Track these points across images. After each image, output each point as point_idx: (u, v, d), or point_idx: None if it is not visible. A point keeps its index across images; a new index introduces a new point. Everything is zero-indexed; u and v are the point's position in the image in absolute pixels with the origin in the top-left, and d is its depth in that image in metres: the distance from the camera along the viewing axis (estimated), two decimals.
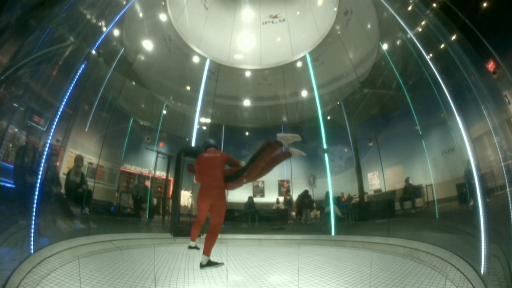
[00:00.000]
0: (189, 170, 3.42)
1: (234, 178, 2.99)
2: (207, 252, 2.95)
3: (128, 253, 4.55)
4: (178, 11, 8.37)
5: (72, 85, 4.92)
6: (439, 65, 4.94)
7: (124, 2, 6.84)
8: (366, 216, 7.91)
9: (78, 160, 5.95)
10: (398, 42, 7.09)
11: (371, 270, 3.32)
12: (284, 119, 10.28)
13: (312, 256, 4.62)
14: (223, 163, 3.10)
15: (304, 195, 8.93)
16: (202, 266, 2.92)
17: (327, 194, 7.89)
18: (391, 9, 6.38)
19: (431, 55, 5.26)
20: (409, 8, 6.13)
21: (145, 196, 7.96)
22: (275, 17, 9.36)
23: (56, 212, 4.82)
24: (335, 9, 8.15)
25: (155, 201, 8.53)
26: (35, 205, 3.66)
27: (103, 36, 6.30)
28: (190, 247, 3.31)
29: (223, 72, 9.57)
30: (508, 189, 3.24)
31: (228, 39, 9.44)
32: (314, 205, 9.08)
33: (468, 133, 4.17)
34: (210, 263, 2.93)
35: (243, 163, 3.12)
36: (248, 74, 9.88)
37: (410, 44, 6.06)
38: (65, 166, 5.98)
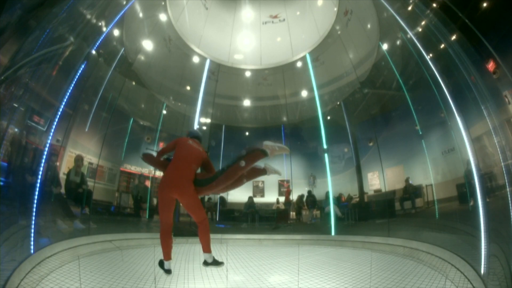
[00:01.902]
0: (146, 159, 3.01)
1: (205, 183, 2.62)
2: (207, 249, 2.75)
3: (128, 253, 4.55)
4: (178, 11, 8.37)
5: (72, 85, 4.92)
6: (439, 65, 4.95)
7: (124, 2, 6.84)
8: (366, 216, 7.91)
9: (78, 160, 5.95)
10: (398, 42, 7.09)
11: (371, 270, 3.32)
12: (284, 119, 10.28)
13: (312, 256, 4.62)
14: (202, 160, 2.80)
15: (309, 195, 8.96)
16: (207, 264, 2.76)
17: (327, 194, 7.89)
18: (391, 9, 6.37)
19: (431, 55, 5.26)
20: (409, 8, 6.13)
21: (145, 196, 7.96)
22: (275, 17, 9.35)
23: (56, 212, 4.82)
24: (335, 9, 8.15)
25: (155, 201, 8.53)
26: (35, 205, 3.66)
27: (103, 36, 6.29)
28: (165, 270, 2.79)
29: (223, 72, 9.57)
30: (508, 189, 3.24)
31: (228, 39, 9.44)
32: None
33: (468, 133, 4.17)
34: (215, 262, 2.75)
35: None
36: (248, 74, 9.88)
37: (410, 44, 6.06)
38: (65, 166, 5.97)
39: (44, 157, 4.17)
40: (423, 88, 6.02)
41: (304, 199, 9.20)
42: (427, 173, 6.65)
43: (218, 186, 2.61)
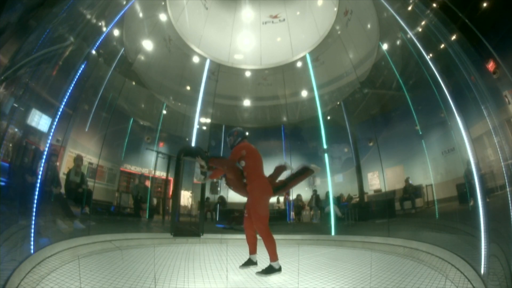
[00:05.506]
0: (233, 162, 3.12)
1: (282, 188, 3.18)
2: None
3: (128, 253, 4.55)
4: (178, 11, 8.37)
5: (72, 85, 4.92)
6: (439, 65, 4.94)
7: (124, 2, 6.84)
8: (366, 216, 7.91)
9: (78, 160, 5.95)
10: (398, 42, 7.08)
11: (371, 270, 3.32)
12: (284, 119, 10.28)
13: (312, 257, 4.62)
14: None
15: (314, 195, 9.01)
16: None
17: (327, 194, 7.89)
18: (391, 9, 6.37)
19: (431, 55, 5.26)
20: (409, 8, 6.13)
21: (145, 196, 7.96)
22: (275, 17, 9.35)
23: (56, 212, 4.82)
24: (335, 9, 8.15)
25: (155, 201, 8.53)
26: (35, 205, 3.66)
27: (103, 36, 6.29)
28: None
29: (223, 72, 9.57)
30: (508, 189, 3.24)
31: (228, 39, 9.44)
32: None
33: (468, 133, 4.17)
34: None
35: None
36: (248, 74, 9.88)
37: (410, 44, 6.06)
38: (65, 166, 5.97)
39: (44, 157, 4.17)
40: (423, 88, 6.01)
41: (311, 198, 9.18)
42: (427, 173, 6.64)
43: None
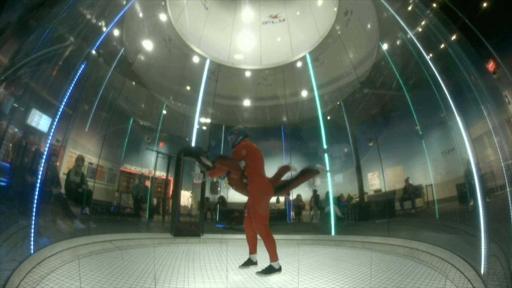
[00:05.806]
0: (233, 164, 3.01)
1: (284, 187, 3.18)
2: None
3: (128, 253, 4.55)
4: (178, 11, 8.37)
5: (72, 85, 4.92)
6: (439, 65, 4.94)
7: (124, 2, 6.84)
8: (366, 216, 7.91)
9: (78, 160, 5.96)
10: (398, 42, 7.08)
11: (371, 270, 3.32)
12: (284, 119, 10.29)
13: (312, 257, 4.62)
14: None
15: (314, 195, 8.99)
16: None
17: (327, 194, 7.89)
18: (391, 9, 6.37)
19: (431, 55, 5.26)
20: (409, 8, 6.13)
21: (145, 196, 7.96)
22: (275, 17, 9.36)
23: (56, 212, 4.82)
24: (335, 9, 8.15)
25: (155, 201, 8.53)
26: (35, 205, 3.66)
27: (103, 36, 6.30)
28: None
29: (223, 72, 9.57)
30: (508, 189, 3.24)
31: (228, 39, 9.44)
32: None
33: (468, 133, 4.17)
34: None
35: None
36: (248, 74, 9.88)
37: (410, 44, 6.06)
38: (65, 166, 5.98)
39: (44, 157, 4.17)
40: (423, 88, 6.01)
41: (311, 198, 9.18)
42: (427, 173, 6.64)
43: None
